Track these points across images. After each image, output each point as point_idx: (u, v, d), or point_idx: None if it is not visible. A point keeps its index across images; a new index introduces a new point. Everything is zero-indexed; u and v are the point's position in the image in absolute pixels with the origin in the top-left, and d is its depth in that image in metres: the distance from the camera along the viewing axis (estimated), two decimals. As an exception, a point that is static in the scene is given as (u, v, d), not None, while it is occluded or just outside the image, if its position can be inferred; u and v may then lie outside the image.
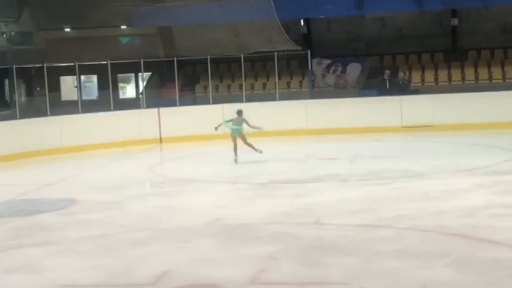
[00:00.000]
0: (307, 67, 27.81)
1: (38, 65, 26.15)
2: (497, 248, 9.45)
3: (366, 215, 11.81)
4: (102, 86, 30.64)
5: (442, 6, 28.44)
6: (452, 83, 28.85)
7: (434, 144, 21.34)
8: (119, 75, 32.28)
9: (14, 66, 24.04)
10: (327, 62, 29.93)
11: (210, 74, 27.13)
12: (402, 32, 31.12)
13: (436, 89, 27.90)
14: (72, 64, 25.24)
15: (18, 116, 23.27)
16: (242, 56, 26.83)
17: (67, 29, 34.35)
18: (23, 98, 34.01)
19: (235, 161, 18.52)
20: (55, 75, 28.78)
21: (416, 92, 26.46)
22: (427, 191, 13.64)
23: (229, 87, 30.99)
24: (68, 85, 33.57)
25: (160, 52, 32.67)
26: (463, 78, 28.96)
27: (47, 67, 24.27)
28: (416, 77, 29.22)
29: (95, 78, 34.31)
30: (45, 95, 24.01)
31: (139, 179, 17.48)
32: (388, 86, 25.70)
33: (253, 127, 18.56)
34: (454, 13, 29.67)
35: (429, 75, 29.46)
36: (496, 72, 28.59)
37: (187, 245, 10.37)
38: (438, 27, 30.72)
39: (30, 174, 19.30)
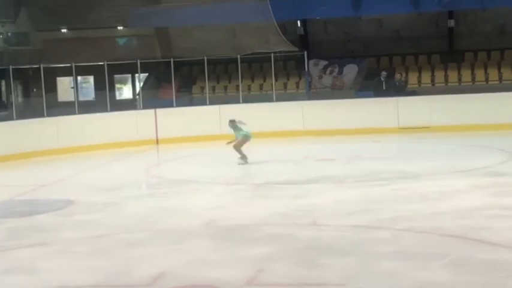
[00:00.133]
0: (304, 68, 27.82)
1: (34, 66, 26.14)
2: (495, 249, 9.45)
3: (362, 216, 11.80)
4: (98, 86, 30.66)
5: (439, 8, 28.48)
6: (449, 84, 28.89)
7: (431, 146, 21.35)
8: (115, 76, 32.25)
9: (10, 67, 24.04)
10: (323, 63, 29.95)
11: (207, 75, 27.11)
12: (399, 33, 31.15)
13: (432, 90, 27.94)
14: (68, 65, 25.22)
15: (14, 117, 23.23)
16: (239, 57, 26.83)
17: (64, 30, 34.34)
18: (20, 99, 34.00)
19: (247, 161, 18.45)
20: (52, 76, 28.81)
21: (413, 93, 26.49)
22: (424, 192, 13.64)
23: (226, 88, 31.01)
24: (64, 86, 33.56)
25: (157, 53, 32.68)
26: (460, 80, 28.99)
27: (44, 68, 24.26)
28: (413, 78, 29.26)
29: (91, 79, 34.32)
30: (41, 96, 23.99)
31: (136, 180, 17.48)
32: (384, 87, 25.72)
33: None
34: (450, 14, 29.71)
35: (426, 77, 29.49)
36: (493, 73, 28.64)
37: (184, 246, 10.36)
38: (435, 28, 30.75)
39: (27, 175, 19.28)
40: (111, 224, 12.25)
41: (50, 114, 23.51)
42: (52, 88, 30.48)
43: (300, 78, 30.38)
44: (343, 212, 12.27)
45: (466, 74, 29.03)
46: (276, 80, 28.35)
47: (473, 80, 28.83)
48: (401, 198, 13.26)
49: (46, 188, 16.65)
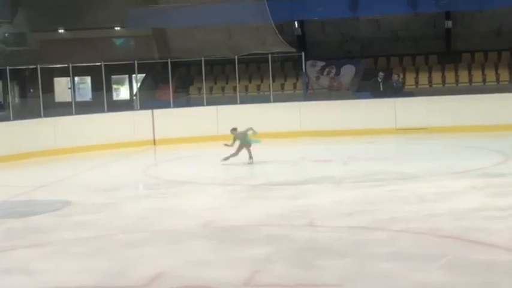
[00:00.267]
0: (301, 69, 27.83)
1: (31, 67, 26.17)
2: (491, 250, 9.46)
3: (360, 217, 11.81)
4: (96, 87, 30.65)
5: (436, 9, 28.50)
6: (446, 85, 28.91)
7: (428, 147, 21.36)
8: (112, 76, 32.32)
9: (7, 67, 24.00)
10: (321, 64, 29.96)
11: (204, 75, 27.12)
12: (396, 34, 31.16)
13: (430, 91, 27.96)
14: (66, 65, 25.21)
15: (11, 117, 23.25)
16: (236, 57, 26.83)
17: (61, 30, 34.37)
18: (17, 100, 34.04)
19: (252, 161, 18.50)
20: (49, 76, 28.78)
21: (410, 94, 26.52)
22: (421, 193, 13.66)
23: (223, 89, 31.01)
24: (61, 86, 33.60)
25: (155, 54, 32.71)
26: (457, 81, 29.03)
27: (41, 68, 24.25)
28: (410, 79, 29.28)
29: (88, 79, 34.36)
30: (38, 97, 23.97)
31: (134, 180, 17.48)
32: (382, 88, 25.73)
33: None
34: (448, 15, 29.73)
35: (423, 78, 29.52)
36: (490, 74, 28.68)
37: (181, 247, 10.36)
38: (432, 29, 30.77)
39: (24, 175, 19.27)
40: (108, 224, 12.24)
41: (47, 115, 23.49)
42: (49, 89, 30.47)
43: (297, 79, 30.39)
44: (340, 213, 12.27)
45: (463, 75, 29.06)
46: (274, 81, 28.35)
47: (470, 81, 28.87)
48: (398, 199, 13.26)
49: (43, 188, 16.64)
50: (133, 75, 29.72)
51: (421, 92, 27.67)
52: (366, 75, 29.14)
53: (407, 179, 15.42)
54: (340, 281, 8.45)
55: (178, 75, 31.34)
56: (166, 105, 25.88)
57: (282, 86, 30.42)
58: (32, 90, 31.73)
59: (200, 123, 24.66)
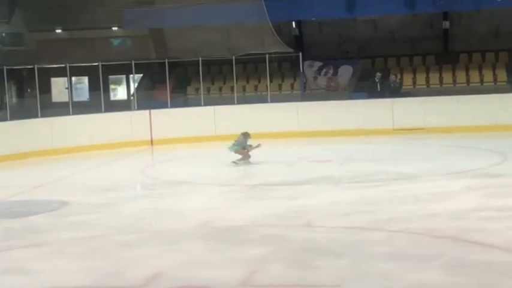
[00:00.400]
0: (299, 69, 27.83)
1: (28, 67, 26.14)
2: (489, 251, 9.45)
3: (357, 217, 11.80)
4: (93, 87, 30.68)
5: (433, 9, 28.51)
6: (444, 85, 28.94)
7: (426, 147, 21.37)
8: (110, 76, 32.28)
9: (4, 67, 23.99)
10: (318, 64, 29.98)
11: (202, 76, 27.12)
12: (394, 35, 31.18)
13: (427, 91, 27.98)
14: (63, 65, 25.22)
15: (9, 117, 23.21)
16: (234, 58, 26.84)
17: (58, 30, 34.35)
18: (14, 100, 33.99)
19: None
20: (46, 76, 28.82)
21: (407, 94, 26.54)
22: (419, 194, 13.65)
23: (220, 89, 31.01)
24: (59, 86, 33.58)
25: (152, 54, 32.69)
26: (455, 81, 29.05)
27: (38, 68, 24.25)
28: (407, 79, 29.29)
29: (86, 79, 34.34)
30: (36, 97, 23.98)
31: (131, 180, 17.46)
32: (379, 89, 25.76)
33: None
34: (445, 16, 29.75)
35: (420, 78, 29.53)
36: (488, 75, 28.69)
37: (178, 247, 10.35)
38: (430, 30, 30.81)
39: (21, 175, 19.26)
40: (105, 224, 12.23)
41: (44, 115, 23.49)
42: (46, 89, 30.49)
43: (294, 80, 30.40)
44: (337, 213, 12.26)
45: (461, 75, 29.08)
46: (271, 81, 28.37)
47: (468, 81, 28.89)
48: (395, 199, 13.26)
49: (40, 188, 16.63)
50: (131, 76, 29.74)
51: (419, 92, 27.68)
52: (363, 75, 29.15)
53: (404, 180, 15.41)
54: (337, 281, 8.44)
55: (176, 76, 31.33)
56: (163, 106, 25.88)
57: (280, 87, 30.43)
58: (29, 90, 31.69)
59: (197, 124, 24.66)
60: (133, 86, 30.44)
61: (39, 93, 23.95)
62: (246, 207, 13.28)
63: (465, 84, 28.65)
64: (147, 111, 24.95)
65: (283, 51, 27.61)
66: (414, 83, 29.40)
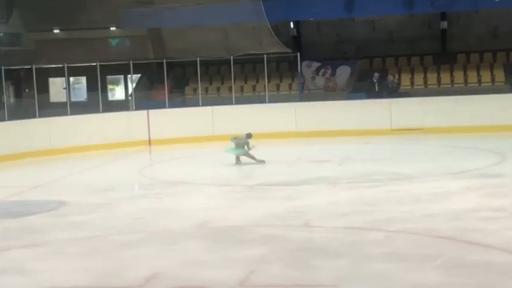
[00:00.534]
0: (297, 69, 27.84)
1: (26, 67, 26.11)
2: (487, 251, 9.46)
3: (355, 217, 11.81)
4: (91, 87, 30.64)
5: (431, 9, 28.50)
6: (442, 86, 28.93)
7: (424, 147, 21.38)
8: (108, 77, 32.23)
9: (2, 67, 23.96)
10: (316, 64, 29.97)
11: (200, 76, 27.11)
12: (392, 35, 31.17)
13: (425, 91, 27.98)
14: (61, 66, 25.20)
15: (6, 118, 23.20)
16: (232, 58, 26.84)
17: (56, 31, 34.29)
18: (12, 100, 33.93)
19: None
20: (44, 76, 28.75)
21: (405, 94, 26.53)
22: (417, 194, 13.66)
23: (218, 89, 31.00)
24: (56, 87, 33.52)
25: (150, 54, 32.66)
26: (452, 82, 29.04)
27: (36, 68, 24.23)
28: (405, 79, 29.29)
29: (83, 79, 34.27)
30: (33, 97, 23.95)
31: (129, 180, 17.45)
32: (377, 89, 25.76)
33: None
34: (443, 16, 29.75)
35: (418, 78, 29.52)
36: (485, 75, 28.69)
37: (177, 247, 10.34)
38: (428, 30, 30.80)
39: (19, 175, 19.25)
40: (103, 224, 12.22)
41: (42, 115, 23.47)
42: (44, 89, 30.43)
43: (292, 80, 30.39)
44: (335, 213, 12.27)
45: (459, 76, 29.07)
46: (269, 81, 28.37)
47: (465, 81, 28.88)
48: (394, 199, 13.26)
49: (38, 188, 16.62)
50: (129, 76, 29.72)
51: (417, 92, 27.69)
52: (361, 75, 29.15)
53: (402, 180, 15.42)
54: (336, 281, 8.44)
55: (174, 76, 31.30)
56: (161, 106, 25.87)
57: (278, 87, 30.42)
58: (27, 90, 31.66)
59: (195, 124, 24.66)
60: (131, 86, 30.40)
61: (37, 94, 23.94)
62: (244, 208, 13.28)
63: (463, 85, 28.65)
64: (145, 112, 24.95)
65: (281, 52, 27.60)
66: (412, 83, 29.40)
